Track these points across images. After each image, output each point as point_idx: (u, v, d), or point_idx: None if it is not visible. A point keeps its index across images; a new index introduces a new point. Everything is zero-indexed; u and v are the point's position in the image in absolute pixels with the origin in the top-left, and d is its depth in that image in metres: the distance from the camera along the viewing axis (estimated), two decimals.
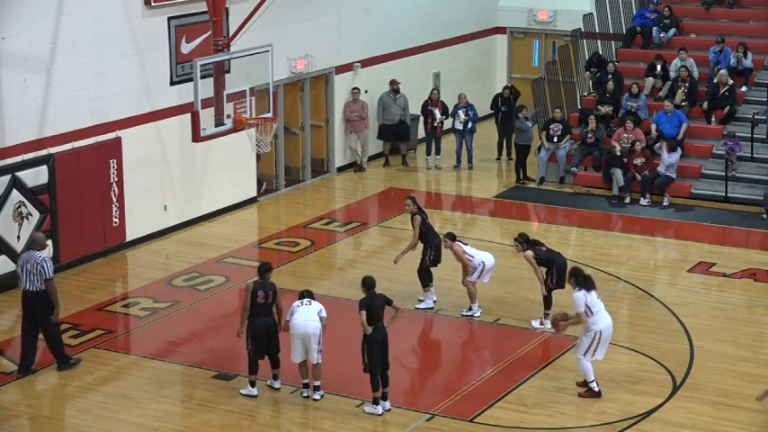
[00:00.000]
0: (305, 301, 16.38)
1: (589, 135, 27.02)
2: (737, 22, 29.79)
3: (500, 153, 29.23)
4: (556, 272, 18.58)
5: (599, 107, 27.98)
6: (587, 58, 30.33)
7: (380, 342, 15.76)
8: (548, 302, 18.75)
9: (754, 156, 25.95)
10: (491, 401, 16.39)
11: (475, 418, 15.92)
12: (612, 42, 30.71)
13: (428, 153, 28.82)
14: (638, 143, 26.06)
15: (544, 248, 18.79)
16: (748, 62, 28.19)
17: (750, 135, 26.30)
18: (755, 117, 26.68)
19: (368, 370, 15.79)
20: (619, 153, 26.09)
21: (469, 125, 28.37)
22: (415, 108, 28.88)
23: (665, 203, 25.52)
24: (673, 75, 28.23)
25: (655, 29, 29.90)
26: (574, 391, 16.72)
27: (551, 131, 27.46)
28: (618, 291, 20.45)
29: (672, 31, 29.80)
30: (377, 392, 15.80)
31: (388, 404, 15.92)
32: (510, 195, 26.60)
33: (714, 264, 21.75)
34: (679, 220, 24.69)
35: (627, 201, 25.72)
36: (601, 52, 30.19)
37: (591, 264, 21.61)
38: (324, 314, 16.30)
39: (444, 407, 16.24)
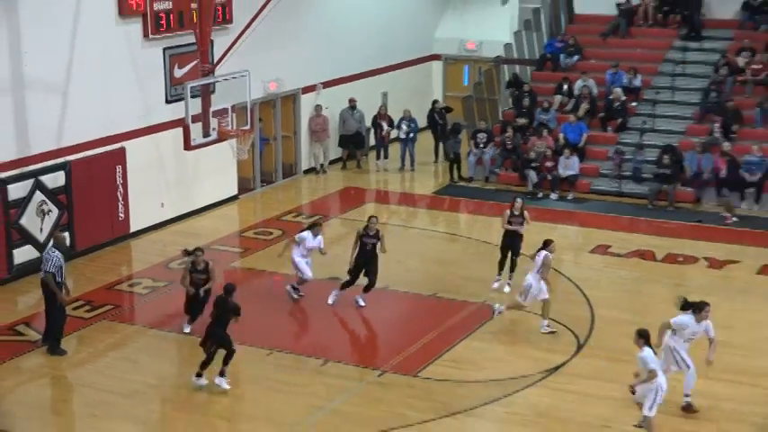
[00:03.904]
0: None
1: (507, 142, 27.21)
2: (629, 49, 30.02)
3: (436, 157, 29.37)
4: None
5: (517, 119, 28.16)
6: (507, 79, 30.48)
7: (219, 337, 15.24)
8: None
9: (644, 160, 26.23)
10: (430, 359, 16.49)
11: (418, 373, 16.03)
12: (528, 67, 30.85)
13: (378, 158, 28.90)
14: (548, 149, 26.29)
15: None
16: (638, 82, 28.48)
17: (639, 141, 26.64)
18: (643, 126, 27.01)
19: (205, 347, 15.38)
20: (533, 156, 26.30)
21: (411, 135, 28.52)
22: (366, 121, 28.95)
23: (569, 198, 25.74)
24: (576, 93, 28.46)
25: (562, 55, 30.12)
26: (497, 350, 16.83)
27: (478, 139, 27.62)
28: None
29: (576, 57, 30.04)
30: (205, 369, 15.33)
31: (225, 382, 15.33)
32: (445, 192, 26.71)
33: (610, 246, 21.95)
34: (582, 211, 24.90)
35: (540, 195, 25.89)
36: (518, 75, 30.38)
37: None
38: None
39: (393, 365, 16.33)
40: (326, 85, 28.22)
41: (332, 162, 28.67)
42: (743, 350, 16.75)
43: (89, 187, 21.10)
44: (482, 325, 17.88)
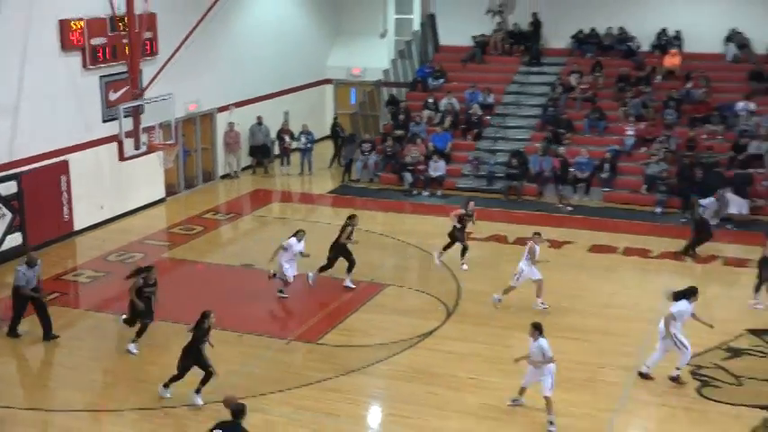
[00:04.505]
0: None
1: (388, 150, 27.27)
2: (483, 73, 30.35)
3: (332, 163, 29.26)
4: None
5: (395, 131, 28.25)
6: (386, 99, 30.58)
7: (196, 359, 13.61)
8: None
9: (497, 162, 26.54)
10: (328, 329, 16.46)
11: (318, 340, 15.97)
12: (403, 88, 31.01)
13: (282, 164, 28.70)
14: (420, 155, 26.43)
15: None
16: (491, 99, 28.84)
17: (493, 147, 26.94)
18: (496, 135, 27.32)
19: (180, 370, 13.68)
20: (409, 161, 26.42)
21: (309, 145, 28.40)
22: (271, 134, 28.72)
23: (439, 194, 25.91)
24: (442, 108, 28.67)
25: (430, 78, 30.31)
26: (382, 320, 16.85)
27: (363, 148, 27.63)
28: (409, 253, 20.70)
29: (441, 79, 30.26)
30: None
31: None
32: (338, 191, 26.64)
33: (471, 232, 21.93)
34: (449, 205, 24.94)
35: (414, 193, 26.03)
36: (395, 95, 30.47)
37: (392, 234, 21.82)
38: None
39: (297, 334, 16.25)
40: (238, 105, 27.89)
41: (244, 169, 28.34)
42: (578, 313, 17.10)
43: (38, 194, 20.50)
44: (369, 300, 17.91)
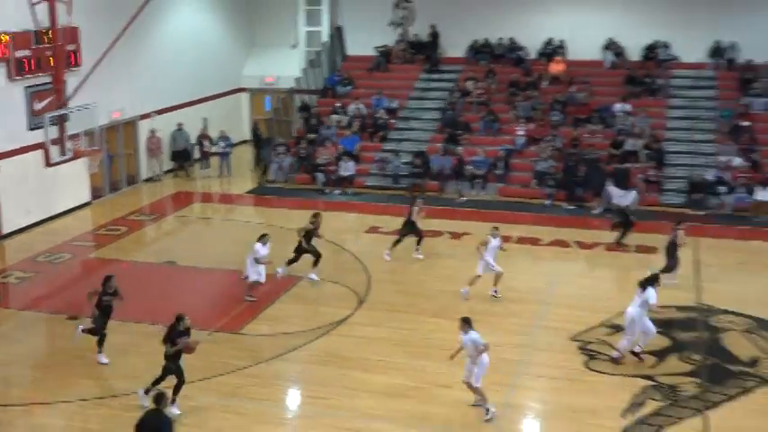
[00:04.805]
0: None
1: (301, 152, 27.15)
2: (388, 80, 30.41)
3: (256, 165, 28.82)
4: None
5: (307, 135, 28.13)
6: (299, 105, 30.42)
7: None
8: None
9: (402, 162, 26.65)
10: (249, 319, 16.30)
11: (240, 330, 15.82)
12: (314, 95, 30.90)
13: (201, 168, 28.30)
14: (331, 156, 26.37)
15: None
16: (395, 104, 28.94)
17: (397, 148, 27.06)
18: (400, 137, 27.41)
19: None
20: (321, 162, 26.34)
21: (227, 149, 28.09)
22: (191, 139, 28.30)
23: (349, 192, 25.91)
24: (350, 113, 28.67)
25: (339, 86, 30.26)
26: (298, 310, 16.77)
27: (278, 151, 27.44)
28: (321, 246, 20.61)
29: (349, 87, 30.23)
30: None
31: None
32: (256, 191, 26.39)
33: (380, 227, 22.21)
34: (358, 202, 25.10)
35: (326, 192, 25.97)
36: (307, 101, 30.35)
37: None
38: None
39: (219, 325, 16.06)
40: (159, 112, 27.39)
41: (166, 172, 27.84)
42: (477, 297, 17.28)
43: None
44: (287, 291, 17.81)
